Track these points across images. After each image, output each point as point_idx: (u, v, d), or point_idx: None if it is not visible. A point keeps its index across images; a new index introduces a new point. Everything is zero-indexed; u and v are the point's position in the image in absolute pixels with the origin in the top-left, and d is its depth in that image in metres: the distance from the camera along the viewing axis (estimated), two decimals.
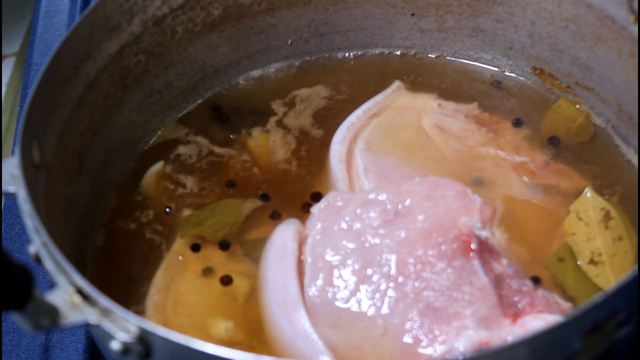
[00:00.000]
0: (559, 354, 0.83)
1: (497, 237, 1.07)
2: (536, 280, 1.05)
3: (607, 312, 0.83)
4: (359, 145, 1.19)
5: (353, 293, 0.99)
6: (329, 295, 1.00)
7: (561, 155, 1.19)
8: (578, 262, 1.07)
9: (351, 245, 1.02)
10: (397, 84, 1.29)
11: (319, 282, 1.01)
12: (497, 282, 0.99)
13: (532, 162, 1.18)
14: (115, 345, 0.83)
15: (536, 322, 0.95)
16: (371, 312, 0.98)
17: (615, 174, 1.17)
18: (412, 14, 1.31)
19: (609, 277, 1.05)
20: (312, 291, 1.01)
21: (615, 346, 0.88)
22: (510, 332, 0.95)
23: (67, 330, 1.17)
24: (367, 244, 1.02)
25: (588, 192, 1.12)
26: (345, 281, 1.00)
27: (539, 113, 1.24)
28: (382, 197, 1.05)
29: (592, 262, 1.07)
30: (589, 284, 1.05)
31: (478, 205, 1.05)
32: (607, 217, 1.10)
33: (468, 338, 0.94)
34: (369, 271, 1.00)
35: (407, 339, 0.96)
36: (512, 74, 1.30)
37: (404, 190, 1.06)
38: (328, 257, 1.02)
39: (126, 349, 0.84)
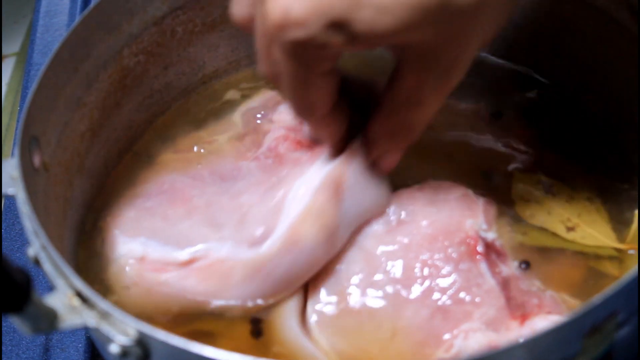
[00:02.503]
0: (558, 355, 0.83)
1: (505, 240, 1.07)
2: (527, 265, 1.05)
3: (606, 313, 0.83)
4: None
5: (360, 299, 1.00)
6: (335, 302, 1.01)
7: (569, 154, 1.18)
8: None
9: (356, 254, 1.02)
10: None
11: (325, 290, 1.01)
12: (505, 283, 1.00)
13: (540, 160, 1.17)
14: (114, 348, 0.83)
15: (544, 323, 0.95)
16: (379, 316, 0.98)
17: (625, 174, 1.16)
18: None
19: (593, 235, 1.07)
20: (318, 299, 1.01)
21: (615, 347, 0.88)
22: (519, 333, 0.95)
23: (68, 330, 1.18)
24: (372, 252, 1.02)
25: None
26: (351, 288, 1.01)
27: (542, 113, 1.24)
28: None
29: (570, 229, 1.08)
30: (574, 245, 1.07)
31: (481, 205, 1.05)
32: (548, 187, 1.11)
33: (476, 340, 0.94)
34: (376, 277, 1.00)
35: (416, 341, 0.96)
36: (512, 74, 1.29)
37: (404, 198, 1.06)
38: (332, 265, 1.02)
39: (125, 352, 0.84)
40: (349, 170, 1.01)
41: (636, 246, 1.06)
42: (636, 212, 1.10)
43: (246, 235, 1.01)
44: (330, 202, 0.99)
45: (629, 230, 1.09)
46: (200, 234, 1.03)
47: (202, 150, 1.15)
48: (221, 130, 1.17)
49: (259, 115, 1.17)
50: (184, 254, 1.01)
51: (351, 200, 1.01)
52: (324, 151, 1.05)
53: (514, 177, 1.12)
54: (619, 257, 1.06)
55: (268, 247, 0.99)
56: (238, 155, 1.11)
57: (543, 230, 1.08)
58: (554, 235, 1.08)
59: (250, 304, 1.01)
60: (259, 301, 1.01)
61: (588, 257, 1.06)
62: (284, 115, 1.15)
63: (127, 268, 1.03)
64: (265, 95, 1.20)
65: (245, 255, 0.99)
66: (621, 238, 1.08)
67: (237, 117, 1.16)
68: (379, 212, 1.03)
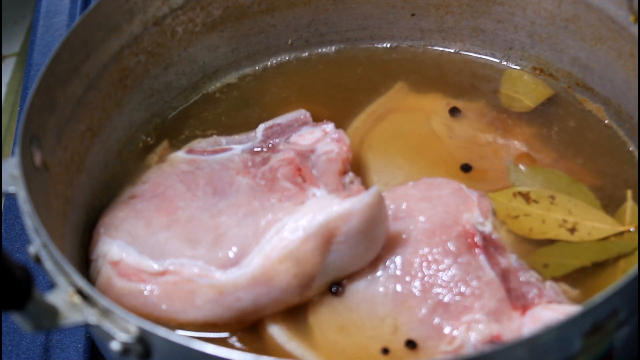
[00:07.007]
0: (559, 354, 0.83)
1: (502, 234, 1.07)
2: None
3: (606, 312, 0.83)
4: (365, 149, 1.19)
5: (360, 296, 1.00)
6: (335, 300, 1.01)
7: (571, 154, 1.18)
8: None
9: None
10: (399, 84, 1.28)
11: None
12: (504, 275, 1.00)
13: (542, 160, 1.17)
14: (115, 346, 0.83)
15: (546, 312, 0.96)
16: (380, 312, 0.99)
17: (626, 172, 1.16)
18: (412, 14, 1.32)
19: (596, 226, 1.08)
20: (317, 297, 1.01)
21: (615, 346, 0.88)
22: (521, 324, 0.96)
23: (67, 330, 1.17)
24: None
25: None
26: (351, 285, 1.01)
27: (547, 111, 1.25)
28: None
29: (572, 230, 1.08)
30: (589, 246, 1.07)
31: (475, 199, 1.06)
32: (526, 197, 1.11)
33: (479, 332, 0.95)
34: (375, 273, 1.01)
35: (418, 335, 0.96)
36: (512, 74, 1.30)
37: (398, 196, 1.06)
38: None
39: (126, 349, 0.84)
40: (346, 226, 0.98)
41: (636, 224, 1.08)
42: (628, 191, 1.11)
43: (218, 256, 1.00)
44: (316, 252, 0.98)
45: (622, 208, 1.10)
46: (175, 248, 1.02)
47: (212, 156, 1.14)
48: (240, 140, 1.16)
49: (278, 131, 1.16)
50: (156, 266, 1.01)
51: (337, 254, 0.99)
52: (318, 193, 1.04)
53: (490, 199, 1.11)
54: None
55: (238, 275, 0.98)
56: (241, 169, 1.10)
57: (551, 244, 1.08)
58: (565, 243, 1.08)
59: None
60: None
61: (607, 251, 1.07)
62: (302, 139, 1.13)
63: (101, 272, 1.03)
64: (294, 114, 1.18)
65: (213, 277, 0.98)
66: (615, 215, 1.09)
67: (259, 130, 1.15)
68: (362, 266, 1.02)
